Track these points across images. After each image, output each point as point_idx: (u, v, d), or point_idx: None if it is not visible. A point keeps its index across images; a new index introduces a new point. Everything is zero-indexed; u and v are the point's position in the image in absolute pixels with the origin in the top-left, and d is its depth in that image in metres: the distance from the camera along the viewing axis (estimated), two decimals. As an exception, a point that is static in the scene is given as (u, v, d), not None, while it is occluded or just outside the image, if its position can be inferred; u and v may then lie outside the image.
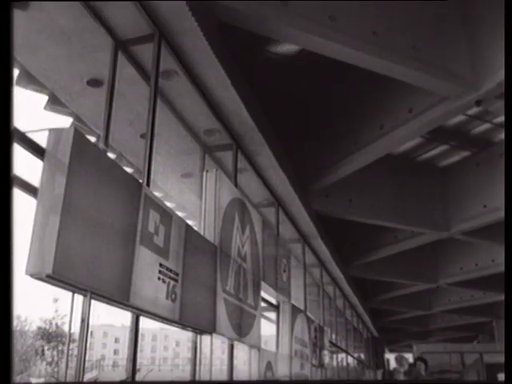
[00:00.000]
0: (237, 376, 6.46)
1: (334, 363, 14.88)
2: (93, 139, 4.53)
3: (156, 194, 4.53)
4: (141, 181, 4.30)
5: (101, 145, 4.08)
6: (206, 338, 5.39)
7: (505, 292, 1.52)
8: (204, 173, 5.94)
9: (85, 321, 3.25)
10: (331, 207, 11.16)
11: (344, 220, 12.16)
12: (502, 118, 10.01)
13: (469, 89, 7.07)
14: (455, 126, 10.47)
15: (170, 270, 4.42)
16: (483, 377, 13.14)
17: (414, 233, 13.34)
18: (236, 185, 6.79)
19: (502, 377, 10.11)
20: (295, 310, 9.19)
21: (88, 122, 5.41)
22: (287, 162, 8.34)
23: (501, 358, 13.89)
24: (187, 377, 5.42)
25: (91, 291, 3.33)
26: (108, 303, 3.65)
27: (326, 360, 11.98)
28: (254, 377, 6.77)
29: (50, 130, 3.29)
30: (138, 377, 2.38)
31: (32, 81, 5.01)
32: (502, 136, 11.01)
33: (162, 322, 4.47)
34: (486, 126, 10.52)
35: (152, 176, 4.48)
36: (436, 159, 12.12)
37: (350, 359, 18.38)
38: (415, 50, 6.58)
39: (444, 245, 15.65)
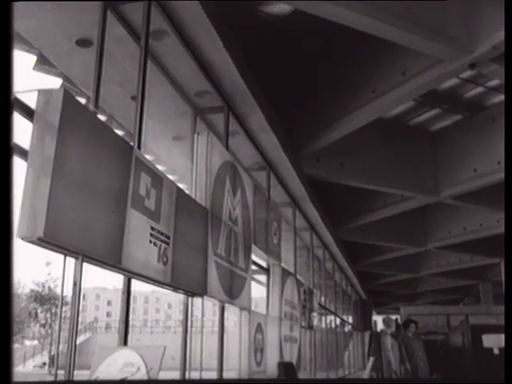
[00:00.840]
0: (227, 338, 6.55)
1: (323, 325, 15.14)
2: (83, 101, 4.45)
3: (147, 157, 4.49)
4: (132, 143, 4.25)
5: (91, 107, 4.01)
6: (197, 301, 5.43)
7: (505, 292, 1.53)
8: (195, 136, 5.89)
9: (77, 284, 3.25)
10: (322, 171, 11.15)
11: (335, 184, 12.18)
12: (495, 82, 9.96)
13: (463, 51, 7.01)
14: (448, 90, 10.40)
15: (162, 233, 4.42)
16: (468, 337, 13.39)
17: (404, 197, 13.41)
18: (227, 148, 6.75)
19: (486, 338, 10.25)
20: (285, 273, 9.28)
21: (78, 83, 5.32)
22: (279, 126, 8.28)
23: (486, 320, 14.24)
24: (178, 338, 5.48)
25: (83, 254, 3.33)
26: (100, 266, 3.65)
27: (315, 322, 12.17)
28: (245, 338, 6.87)
29: (39, 91, 3.21)
30: (137, 376, 2.39)
31: (20, 40, 4.89)
32: (495, 100, 10.99)
33: (154, 285, 4.50)
34: (479, 89, 10.47)
35: (143, 139, 4.44)
36: (427, 123, 12.08)
37: (339, 321, 18.72)
38: (409, 11, 6.48)
39: (433, 209, 15.79)
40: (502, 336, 9.74)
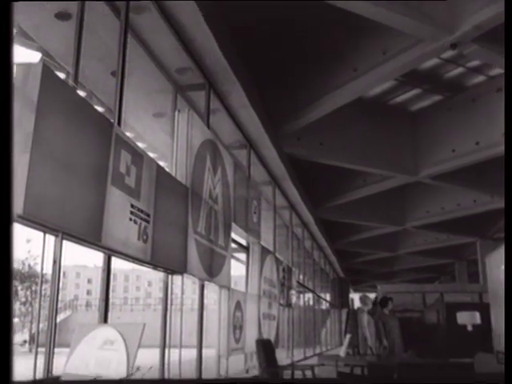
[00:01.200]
0: (206, 316, 6.58)
1: (301, 303, 15.30)
2: (62, 76, 4.35)
3: (127, 134, 4.43)
4: (112, 120, 4.19)
5: (70, 82, 3.93)
6: (177, 278, 5.44)
7: (505, 292, 1.55)
8: (176, 113, 5.83)
9: (57, 261, 3.22)
10: (302, 150, 11.17)
11: (315, 163, 12.21)
12: (475, 63, 10.02)
13: (444, 31, 7.02)
14: (428, 70, 10.43)
15: (142, 211, 4.39)
16: (442, 315, 13.65)
17: (383, 176, 13.51)
18: (208, 126, 6.70)
19: (460, 315, 10.41)
20: (264, 251, 9.32)
21: (57, 57, 5.19)
22: (260, 104, 8.24)
23: (460, 298, 14.50)
24: (158, 316, 5.49)
25: (62, 231, 3.29)
26: (80, 244, 3.62)
27: (294, 300, 12.29)
28: (224, 316, 6.90)
29: (18, 65, 3.13)
30: (137, 376, 2.39)
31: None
32: (475, 81, 11.05)
33: (134, 263, 4.48)
34: (460, 70, 10.52)
35: (123, 115, 4.37)
36: (407, 103, 12.12)
37: (317, 299, 18.93)
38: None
39: (412, 189, 15.94)
40: (476, 313, 9.93)
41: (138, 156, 4.43)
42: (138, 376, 1.73)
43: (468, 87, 11.26)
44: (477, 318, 9.75)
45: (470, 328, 9.42)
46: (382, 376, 6.68)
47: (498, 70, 10.20)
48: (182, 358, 5.53)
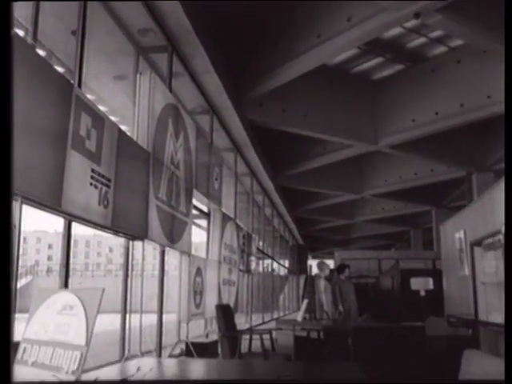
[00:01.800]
0: (167, 281, 6.57)
1: (260, 269, 15.48)
2: (21, 33, 4.15)
3: (88, 96, 4.29)
4: (72, 81, 4.04)
5: (29, 39, 3.75)
6: (138, 244, 5.39)
7: (505, 293, 1.58)
8: (138, 75, 5.67)
9: (16, 226, 3.13)
10: (265, 117, 11.13)
11: (276, 130, 12.20)
12: (438, 33, 10.10)
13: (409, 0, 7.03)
14: (391, 39, 10.47)
15: (103, 176, 4.30)
16: (397, 281, 14.04)
17: (343, 145, 13.62)
18: (170, 90, 6.56)
19: (414, 281, 10.71)
20: (225, 218, 9.33)
21: (14, 13, 4.93)
22: (223, 69, 8.12)
23: (414, 264, 14.91)
24: (120, 282, 5.45)
25: (22, 196, 3.19)
26: (39, 208, 3.52)
27: (253, 266, 12.41)
28: (184, 282, 6.91)
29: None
30: (138, 376, 2.36)
31: None
32: (436, 51, 11.16)
33: (95, 228, 4.41)
34: (422, 40, 10.60)
35: (84, 77, 4.22)
36: (370, 72, 12.17)
37: (276, 265, 19.17)
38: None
39: (371, 157, 16.16)
40: (429, 279, 10.22)
41: (99, 119, 4.31)
42: (138, 377, 1.72)
43: (429, 57, 11.37)
44: (430, 283, 10.03)
45: (422, 293, 9.71)
46: (337, 340, 6.84)
47: (459, 42, 10.33)
48: (142, 323, 5.53)
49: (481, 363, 1.72)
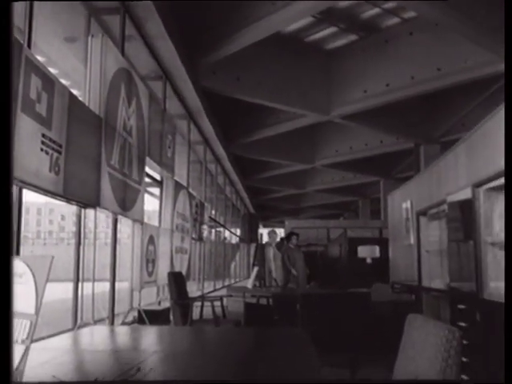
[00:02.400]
0: (119, 250, 6.52)
1: (212, 237, 15.53)
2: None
3: (38, 58, 4.11)
4: (21, 41, 3.86)
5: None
6: (90, 212, 5.30)
7: (505, 293, 1.62)
8: (89, 38, 5.48)
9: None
10: (218, 84, 11.02)
11: (230, 98, 12.11)
12: (392, 4, 10.19)
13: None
14: (345, 9, 10.50)
15: (54, 142, 4.16)
16: (345, 249, 14.36)
17: (296, 114, 13.66)
18: (123, 54, 6.37)
19: (361, 249, 10.99)
20: (178, 186, 9.26)
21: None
22: (177, 34, 7.94)
23: (362, 233, 15.27)
24: (72, 250, 5.37)
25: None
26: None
27: (205, 234, 12.44)
28: (137, 250, 6.88)
29: None
30: (138, 376, 2.33)
31: None
32: (389, 22, 11.27)
33: (46, 195, 4.29)
34: (376, 10, 10.67)
35: (33, 37, 4.04)
36: (323, 41, 12.18)
37: (228, 233, 19.27)
38: None
39: (322, 127, 16.30)
40: (376, 247, 10.50)
41: (50, 82, 4.15)
42: (139, 377, 1.72)
43: (382, 29, 11.48)
44: (376, 251, 10.33)
45: (369, 261, 9.98)
46: (285, 306, 7.00)
47: (413, 13, 10.45)
48: (95, 292, 5.49)
49: (423, 326, 1.76)
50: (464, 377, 4.06)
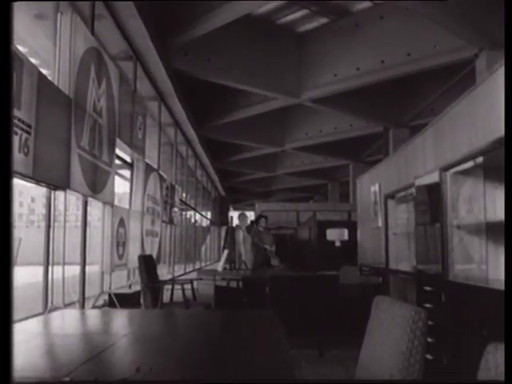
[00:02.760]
0: (90, 232, 6.46)
1: (183, 220, 15.49)
2: None
3: (5, 35, 4.00)
4: (-12, 18, 3.75)
5: None
6: (60, 194, 5.23)
7: (505, 292, 1.64)
8: (58, 15, 5.35)
9: None
10: (189, 66, 10.90)
11: (201, 80, 12.01)
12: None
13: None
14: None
15: (23, 122, 4.09)
16: (314, 232, 14.50)
17: (267, 97, 13.63)
18: (93, 33, 6.25)
19: (330, 232, 11.12)
20: (149, 169, 9.20)
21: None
22: (148, 14, 7.81)
23: (331, 216, 15.42)
24: (42, 233, 5.30)
25: None
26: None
27: (176, 217, 12.40)
28: (107, 233, 6.83)
29: None
30: (138, 376, 2.31)
31: None
32: (360, 6, 11.29)
33: (15, 177, 4.21)
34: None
35: (1, 14, 3.93)
36: (294, 24, 12.14)
37: (198, 216, 19.24)
38: None
39: (293, 111, 16.32)
40: (344, 230, 10.61)
41: (18, 60, 4.05)
42: (138, 377, 1.71)
43: (353, 12, 11.49)
44: (345, 234, 10.43)
45: (338, 244, 10.08)
46: (255, 289, 7.06)
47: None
48: (65, 275, 5.45)
49: (389, 308, 1.78)
50: (429, 356, 4.19)
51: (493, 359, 1.11)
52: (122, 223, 7.39)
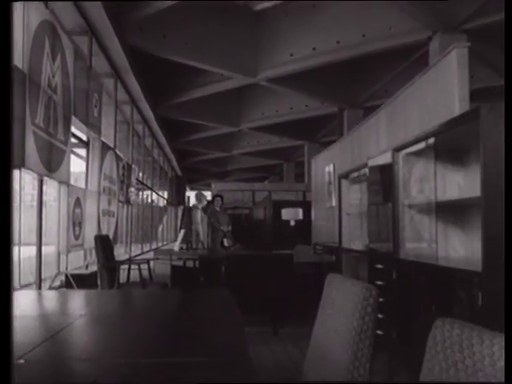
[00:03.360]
0: (46, 212, 6.36)
1: (140, 200, 15.34)
2: None
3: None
4: None
5: None
6: (15, 173, 5.13)
7: (505, 291, 1.70)
8: (11, -13, 5.17)
9: None
10: (145, 42, 10.74)
11: (157, 57, 11.83)
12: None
13: None
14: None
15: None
16: (269, 211, 14.65)
17: (224, 76, 13.57)
18: (47, 5, 6.06)
19: (285, 212, 11.24)
20: (105, 148, 9.06)
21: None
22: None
23: (286, 196, 15.57)
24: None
25: None
26: None
27: (133, 197, 12.29)
28: (63, 213, 6.74)
29: None
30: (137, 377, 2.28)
31: None
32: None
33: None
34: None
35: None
36: (252, 2, 12.07)
37: (155, 196, 19.07)
38: None
39: (249, 90, 16.31)
40: (299, 210, 10.76)
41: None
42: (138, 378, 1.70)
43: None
44: (299, 214, 10.56)
45: (292, 223, 10.19)
46: (211, 268, 7.13)
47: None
48: (21, 256, 5.37)
49: (341, 285, 1.80)
50: (379, 332, 4.35)
51: (440, 334, 1.15)
52: (78, 203, 7.29)
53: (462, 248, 4.15)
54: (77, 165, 8.10)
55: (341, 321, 1.70)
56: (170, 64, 12.41)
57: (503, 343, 1.00)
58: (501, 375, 0.98)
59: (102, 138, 8.83)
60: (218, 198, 10.41)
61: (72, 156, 7.09)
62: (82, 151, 8.43)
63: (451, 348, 1.12)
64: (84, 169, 8.33)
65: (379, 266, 4.64)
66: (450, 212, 4.12)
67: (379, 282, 4.51)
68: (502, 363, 0.98)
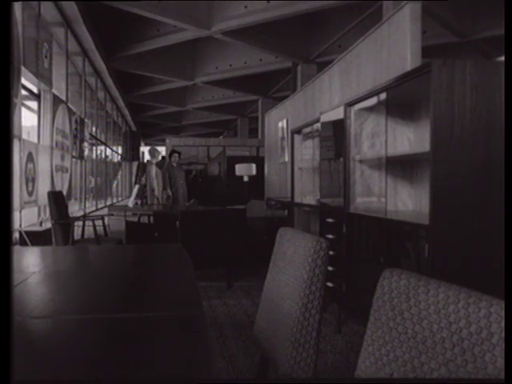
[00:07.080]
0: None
1: (94, 155, 15.09)
2: None
3: None
4: None
5: None
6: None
7: (505, 290, 1.73)
8: None
9: None
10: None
11: (108, 7, 11.41)
12: None
13: None
14: None
15: None
16: (224, 167, 14.70)
17: (177, 28, 13.26)
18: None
19: (238, 167, 11.31)
20: (57, 101, 8.84)
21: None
22: None
23: (240, 152, 15.60)
24: None
25: None
26: None
27: (86, 152, 12.10)
28: (16, 168, 6.60)
29: None
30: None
31: None
32: None
33: None
34: None
35: None
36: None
37: (109, 151, 18.76)
38: None
39: (203, 43, 16.04)
40: (253, 165, 10.84)
41: None
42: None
43: None
44: (253, 169, 10.56)
45: (246, 179, 10.22)
46: (166, 223, 7.19)
47: None
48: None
49: (292, 238, 1.81)
50: (329, 284, 4.55)
51: (388, 284, 1.20)
52: (30, 158, 7.17)
53: (410, 202, 4.31)
54: (28, 119, 7.91)
55: (292, 273, 1.72)
56: (123, 14, 12.01)
57: (449, 292, 1.06)
58: (445, 322, 1.04)
59: (54, 91, 8.60)
60: (176, 155, 10.37)
61: (23, 109, 6.90)
62: (34, 104, 8.20)
63: (398, 298, 1.17)
64: (36, 123, 8.13)
65: (330, 220, 4.71)
66: (400, 167, 4.25)
67: (330, 236, 4.61)
68: (446, 310, 1.05)
